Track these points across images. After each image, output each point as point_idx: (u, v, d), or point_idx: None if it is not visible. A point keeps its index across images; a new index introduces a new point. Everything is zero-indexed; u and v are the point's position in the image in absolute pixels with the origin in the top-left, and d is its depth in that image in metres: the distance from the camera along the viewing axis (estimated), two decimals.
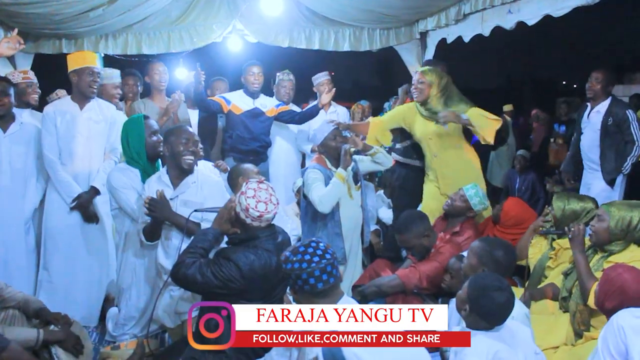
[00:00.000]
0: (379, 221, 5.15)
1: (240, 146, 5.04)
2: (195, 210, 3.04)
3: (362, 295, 3.44)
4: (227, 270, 2.59)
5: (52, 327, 3.10)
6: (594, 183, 4.68)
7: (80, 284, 4.06)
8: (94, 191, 4.02)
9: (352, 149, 3.68)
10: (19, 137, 4.02)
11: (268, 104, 5.22)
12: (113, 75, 4.91)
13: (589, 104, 4.83)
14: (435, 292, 3.32)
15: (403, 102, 7.33)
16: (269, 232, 2.80)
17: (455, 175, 4.27)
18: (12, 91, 3.97)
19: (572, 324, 2.88)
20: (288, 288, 2.39)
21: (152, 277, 3.66)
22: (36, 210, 4.17)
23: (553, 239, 3.47)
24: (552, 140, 7.83)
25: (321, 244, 2.16)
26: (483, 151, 8.34)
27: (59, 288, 4.01)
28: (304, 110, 5.37)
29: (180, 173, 3.37)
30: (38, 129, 4.13)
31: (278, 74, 5.59)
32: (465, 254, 3.10)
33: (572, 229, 2.97)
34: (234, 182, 3.78)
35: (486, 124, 4.10)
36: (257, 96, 5.18)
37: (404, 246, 3.68)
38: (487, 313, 2.24)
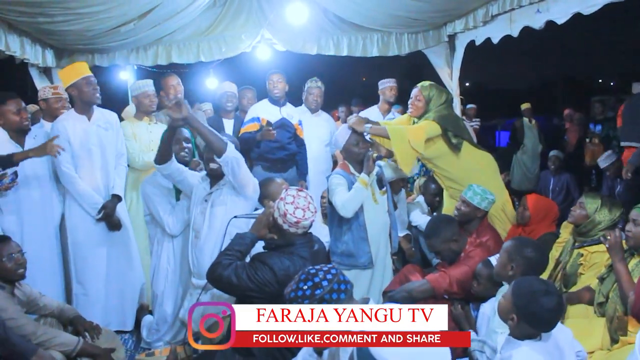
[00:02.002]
0: (410, 227, 5.10)
1: (268, 155, 5.08)
2: (235, 217, 3.10)
3: (393, 300, 3.42)
4: (262, 274, 2.65)
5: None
6: None
7: (113, 292, 4.11)
8: (118, 199, 4.04)
9: (375, 155, 3.67)
10: None
11: (294, 116, 5.27)
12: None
13: None
14: (466, 297, 3.28)
15: None
16: (305, 240, 2.87)
17: (460, 180, 4.15)
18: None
19: (609, 330, 2.82)
20: None
21: (185, 282, 3.74)
22: (62, 217, 4.15)
23: (575, 241, 3.40)
24: (587, 140, 7.67)
25: (312, 270, 2.09)
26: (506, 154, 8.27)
27: (94, 299, 4.04)
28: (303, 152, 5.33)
29: (213, 177, 3.49)
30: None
31: (307, 82, 5.64)
32: (492, 258, 3.08)
33: (608, 237, 2.86)
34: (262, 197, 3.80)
35: (400, 141, 3.89)
36: (283, 104, 5.24)
37: (432, 250, 3.66)
38: (538, 320, 2.13)
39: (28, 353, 2.77)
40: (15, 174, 3.64)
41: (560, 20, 4.11)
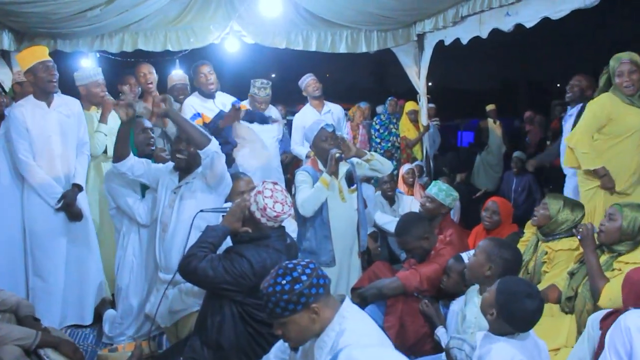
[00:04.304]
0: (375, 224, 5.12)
1: None
2: (202, 211, 3.02)
3: (362, 297, 3.43)
4: (239, 266, 2.60)
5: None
6: None
7: (72, 285, 3.97)
8: (78, 188, 3.92)
9: (337, 155, 3.60)
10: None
11: (227, 102, 4.90)
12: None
13: None
14: (435, 295, 3.31)
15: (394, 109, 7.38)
16: (280, 232, 2.85)
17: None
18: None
19: (578, 324, 2.89)
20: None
21: (150, 275, 3.66)
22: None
23: (538, 240, 3.47)
24: (548, 142, 7.85)
25: (289, 265, 2.03)
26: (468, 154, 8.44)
27: (53, 292, 3.89)
28: (260, 112, 5.10)
29: (181, 170, 3.44)
30: None
31: (252, 81, 5.23)
32: (463, 255, 3.12)
33: (580, 229, 2.96)
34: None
35: None
36: (214, 96, 4.89)
37: (403, 248, 3.66)
38: (516, 320, 2.19)
39: None
40: None
41: (529, 24, 4.20)
